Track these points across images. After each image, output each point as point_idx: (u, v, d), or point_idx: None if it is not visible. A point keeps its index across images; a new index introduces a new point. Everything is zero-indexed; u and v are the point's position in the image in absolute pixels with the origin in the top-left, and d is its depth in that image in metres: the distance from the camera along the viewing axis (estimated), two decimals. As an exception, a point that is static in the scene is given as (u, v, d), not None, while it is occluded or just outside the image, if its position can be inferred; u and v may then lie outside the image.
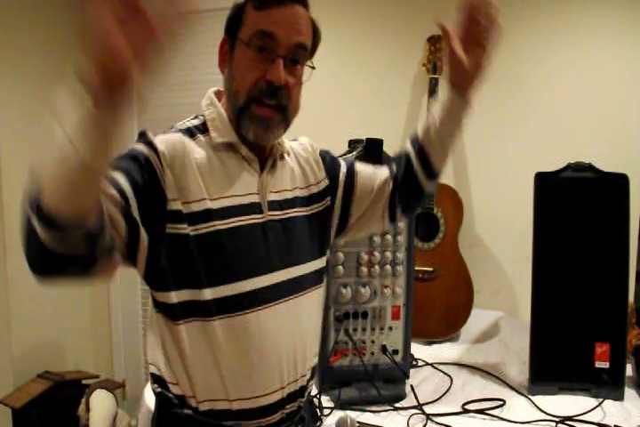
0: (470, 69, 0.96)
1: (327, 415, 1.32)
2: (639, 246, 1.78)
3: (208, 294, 0.88)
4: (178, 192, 0.86)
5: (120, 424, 2.40)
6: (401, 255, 1.49)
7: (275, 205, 0.95)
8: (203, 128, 0.94)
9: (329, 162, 1.10)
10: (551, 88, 2.11)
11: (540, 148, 2.11)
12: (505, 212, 2.15)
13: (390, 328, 1.48)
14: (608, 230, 1.48)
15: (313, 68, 0.95)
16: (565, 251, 1.50)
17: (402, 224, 1.48)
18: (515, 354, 1.76)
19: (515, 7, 2.14)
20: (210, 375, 0.90)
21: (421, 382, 1.55)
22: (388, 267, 1.47)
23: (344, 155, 1.45)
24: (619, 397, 1.43)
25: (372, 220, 1.12)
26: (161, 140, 0.88)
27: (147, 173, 0.84)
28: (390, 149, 1.47)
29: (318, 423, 1.17)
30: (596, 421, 1.30)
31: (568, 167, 1.53)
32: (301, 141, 1.10)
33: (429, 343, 1.94)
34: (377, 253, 1.46)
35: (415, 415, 1.34)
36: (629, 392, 1.46)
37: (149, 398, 1.37)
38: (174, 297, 0.88)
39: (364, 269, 1.45)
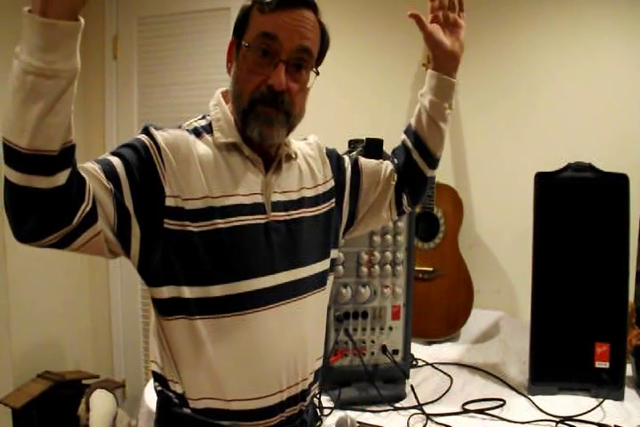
0: (453, 49, 1.04)
1: (327, 415, 1.32)
2: (639, 246, 1.78)
3: (204, 292, 0.87)
4: (179, 188, 0.86)
5: (120, 424, 2.40)
6: (401, 255, 1.49)
7: (279, 206, 0.95)
8: (209, 128, 0.94)
9: (335, 161, 1.10)
10: (551, 88, 2.11)
11: (540, 148, 2.11)
12: (505, 212, 2.15)
13: (390, 328, 1.48)
14: (608, 231, 1.48)
15: (317, 73, 0.94)
16: (565, 251, 1.50)
17: (402, 224, 1.48)
18: (515, 354, 1.76)
19: (516, 6, 2.14)
20: (202, 374, 0.89)
21: (421, 382, 1.55)
22: (388, 267, 1.47)
23: (344, 155, 1.45)
24: (619, 397, 1.43)
25: (380, 213, 1.14)
26: (164, 135, 0.88)
27: (145, 163, 0.84)
28: (390, 148, 1.47)
29: (318, 423, 1.17)
30: (596, 421, 1.30)
31: (568, 167, 1.53)
32: (310, 140, 1.10)
33: (429, 343, 1.94)
34: (377, 253, 1.46)
35: (415, 415, 1.34)
36: (629, 392, 1.46)
37: (149, 398, 1.37)
38: (167, 293, 0.88)
39: (364, 269, 1.45)
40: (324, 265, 1.02)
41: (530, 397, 1.45)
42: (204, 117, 0.97)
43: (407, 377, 1.50)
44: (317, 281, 1.01)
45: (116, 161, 0.82)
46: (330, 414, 1.33)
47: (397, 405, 1.40)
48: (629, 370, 1.51)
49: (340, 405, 1.37)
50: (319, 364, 1.04)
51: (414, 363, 1.67)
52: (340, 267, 1.43)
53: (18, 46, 0.66)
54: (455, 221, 2.04)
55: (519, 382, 1.55)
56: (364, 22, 2.33)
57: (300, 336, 0.96)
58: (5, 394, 2.27)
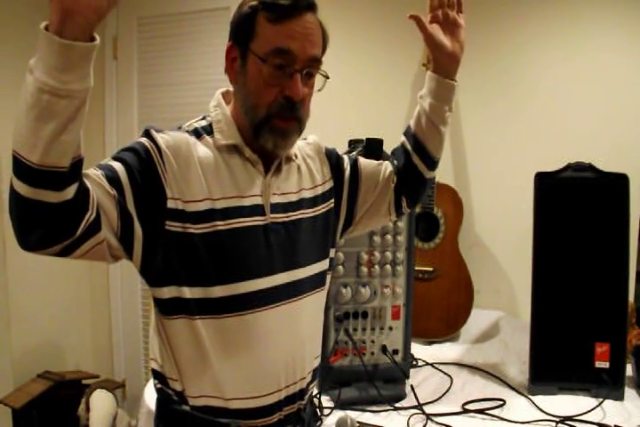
0: (453, 50, 1.04)
1: (327, 415, 1.32)
2: (639, 246, 1.78)
3: (204, 293, 0.88)
4: (180, 191, 0.86)
5: (120, 424, 2.40)
6: (401, 255, 1.49)
7: (278, 208, 0.95)
8: (209, 129, 0.95)
9: (334, 161, 1.10)
10: (551, 88, 2.11)
11: (540, 148, 2.11)
12: (505, 212, 2.15)
13: (390, 328, 1.48)
14: (608, 230, 1.48)
15: (327, 77, 0.94)
16: (565, 251, 1.50)
17: (402, 224, 1.49)
18: (515, 354, 1.76)
19: (516, 5, 2.14)
20: (201, 373, 0.90)
21: (421, 382, 1.55)
22: (388, 267, 1.47)
23: (344, 155, 1.45)
24: (619, 397, 1.43)
25: (378, 214, 1.14)
26: (164, 137, 0.88)
27: (146, 167, 0.84)
28: (390, 148, 1.47)
29: (318, 423, 1.17)
30: (596, 421, 1.30)
31: (568, 167, 1.53)
32: (309, 140, 1.11)
33: (429, 343, 1.94)
34: (377, 253, 1.46)
35: (415, 415, 1.34)
36: (629, 392, 1.46)
37: (149, 398, 1.38)
38: (168, 293, 0.88)
39: (364, 269, 1.45)
40: (322, 265, 1.03)
41: (530, 397, 1.45)
42: (204, 118, 0.98)
43: (407, 377, 1.50)
44: (316, 281, 1.01)
45: (118, 166, 0.82)
46: (330, 414, 1.33)
47: (397, 405, 1.40)
48: (629, 370, 1.51)
49: (340, 405, 1.37)
50: (317, 363, 1.05)
51: (414, 363, 1.67)
52: (340, 267, 1.43)
53: (32, 60, 0.66)
54: (455, 221, 2.04)
55: (519, 382, 1.55)
56: (365, 22, 2.33)
57: (298, 336, 0.97)
58: (5, 394, 2.27)
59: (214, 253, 0.88)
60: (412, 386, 1.45)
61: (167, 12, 2.62)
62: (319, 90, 0.95)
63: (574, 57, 2.08)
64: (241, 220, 0.90)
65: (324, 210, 1.04)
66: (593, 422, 1.30)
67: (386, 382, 1.46)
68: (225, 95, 0.99)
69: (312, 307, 1.01)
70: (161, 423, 0.98)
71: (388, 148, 1.45)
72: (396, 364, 1.47)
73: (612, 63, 2.04)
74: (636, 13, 2.00)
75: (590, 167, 1.52)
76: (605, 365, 1.45)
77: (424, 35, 1.02)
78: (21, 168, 0.68)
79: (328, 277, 1.06)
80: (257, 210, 0.92)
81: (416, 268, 1.90)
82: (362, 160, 1.15)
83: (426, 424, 1.30)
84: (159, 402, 0.98)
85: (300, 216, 0.98)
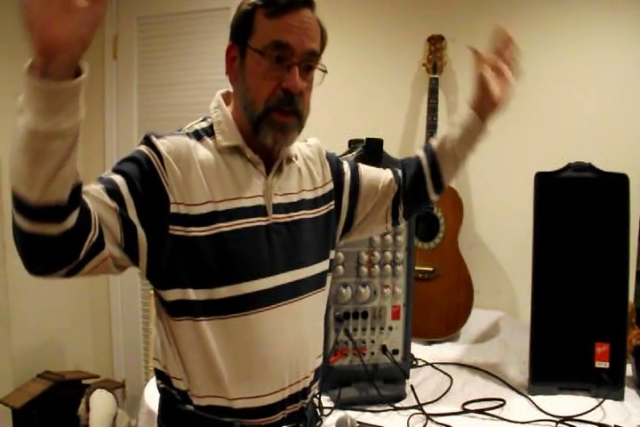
0: (498, 99, 1.05)
1: (327, 415, 1.32)
2: (639, 246, 1.78)
3: (209, 294, 0.88)
4: (182, 195, 0.87)
5: (120, 424, 2.40)
6: (401, 255, 1.49)
7: (280, 208, 0.95)
8: (210, 131, 0.95)
9: (335, 164, 1.11)
10: (551, 88, 2.11)
11: (540, 148, 2.11)
12: (505, 212, 2.15)
13: (390, 328, 1.48)
14: (608, 230, 1.48)
15: (325, 71, 0.95)
16: (565, 251, 1.50)
17: (402, 224, 1.48)
18: (515, 354, 1.76)
19: (517, 5, 2.14)
20: (205, 373, 0.90)
21: (421, 382, 1.55)
22: (388, 267, 1.47)
23: (344, 155, 1.45)
24: (619, 397, 1.43)
25: (375, 222, 1.14)
26: (165, 143, 0.88)
27: (148, 175, 0.85)
28: (390, 148, 1.47)
29: (318, 423, 1.17)
30: (596, 421, 1.30)
31: (568, 167, 1.53)
32: (310, 143, 1.11)
33: (429, 343, 1.94)
34: (377, 253, 1.46)
35: (415, 415, 1.34)
36: (629, 392, 1.46)
37: (149, 398, 1.38)
38: (174, 296, 0.89)
39: (364, 269, 1.45)
40: (323, 266, 1.03)
41: (530, 397, 1.45)
42: (204, 120, 0.98)
43: (407, 377, 1.50)
44: (317, 281, 1.01)
45: (118, 179, 0.83)
46: (330, 414, 1.33)
47: (397, 405, 1.40)
48: (629, 370, 1.51)
49: (340, 405, 1.37)
50: (319, 362, 1.05)
51: (414, 363, 1.67)
52: (340, 267, 1.43)
53: (21, 98, 0.64)
54: (455, 221, 2.04)
55: (519, 382, 1.55)
56: (365, 22, 2.33)
57: (300, 335, 0.97)
58: (5, 394, 2.27)
59: (218, 255, 0.88)
60: (412, 386, 1.45)
61: (167, 12, 2.62)
62: (319, 83, 0.95)
63: (574, 56, 2.08)
64: (243, 220, 0.91)
65: (324, 211, 1.04)
66: (593, 422, 1.30)
67: (386, 382, 1.46)
68: (225, 96, 0.99)
69: (314, 307, 1.01)
70: (164, 424, 0.98)
71: (387, 148, 1.45)
72: (396, 364, 1.47)
73: (613, 63, 2.04)
74: (637, 13, 2.00)
75: (590, 167, 1.52)
76: (605, 365, 1.45)
77: (478, 71, 1.04)
78: (21, 205, 0.67)
79: (328, 279, 1.07)
80: (259, 210, 0.93)
81: (416, 268, 1.90)
82: (362, 166, 1.15)
83: (426, 424, 1.30)
84: (162, 402, 0.98)
85: (301, 217, 0.99)
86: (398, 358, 1.49)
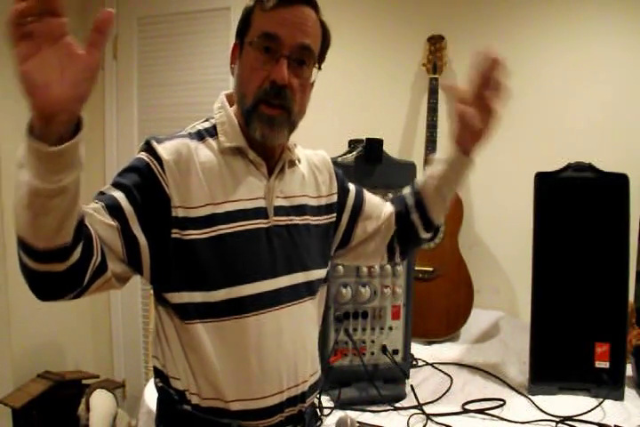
0: (479, 132, 0.98)
1: (327, 415, 1.32)
2: (639, 246, 1.78)
3: (208, 297, 0.88)
4: (180, 198, 0.87)
5: (120, 424, 2.40)
6: (401, 255, 1.49)
7: (281, 211, 0.95)
8: (213, 131, 0.95)
9: (341, 180, 1.11)
10: (551, 88, 2.11)
11: (540, 148, 2.11)
12: (505, 212, 2.15)
13: (390, 328, 1.48)
14: (608, 230, 1.48)
15: (319, 69, 0.94)
16: (565, 251, 1.50)
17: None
18: (515, 354, 1.76)
19: (517, 6, 2.14)
20: (202, 375, 0.90)
21: (421, 382, 1.55)
22: (388, 267, 1.47)
23: (344, 155, 1.45)
24: (619, 397, 1.43)
25: (372, 249, 1.14)
26: (165, 148, 0.88)
27: (148, 182, 0.85)
28: (390, 149, 1.47)
29: (318, 423, 1.17)
30: (596, 421, 1.30)
31: (568, 167, 1.53)
32: (318, 152, 1.11)
33: (429, 343, 1.94)
34: (377, 253, 1.46)
35: (415, 415, 1.34)
36: (629, 392, 1.46)
37: (149, 398, 1.38)
38: (173, 298, 0.89)
39: (364, 269, 1.45)
40: (322, 272, 1.03)
41: (530, 397, 1.45)
42: (207, 120, 0.98)
43: (407, 377, 1.50)
44: (317, 285, 1.01)
45: (118, 194, 0.84)
46: (330, 414, 1.33)
47: (397, 405, 1.40)
48: (629, 370, 1.51)
49: (340, 405, 1.37)
50: (318, 366, 1.05)
51: (414, 363, 1.67)
52: (340, 267, 1.43)
53: (21, 153, 0.64)
54: (455, 221, 2.04)
55: (519, 382, 1.55)
56: (365, 22, 2.33)
57: (300, 338, 0.97)
58: (5, 394, 2.27)
59: (218, 257, 0.88)
60: (412, 386, 1.45)
61: (167, 12, 2.62)
62: (311, 81, 0.94)
63: (574, 56, 2.08)
64: (244, 223, 0.90)
65: (325, 221, 1.05)
66: (593, 422, 1.30)
67: (386, 382, 1.46)
68: (229, 97, 0.98)
69: (313, 310, 1.01)
70: (162, 423, 0.98)
71: (387, 148, 1.45)
72: (396, 364, 1.47)
73: (613, 63, 2.04)
74: (638, 12, 2.00)
75: (590, 167, 1.52)
76: (605, 365, 1.45)
77: (457, 108, 0.95)
78: (27, 249, 0.69)
79: (323, 289, 1.06)
80: (260, 212, 0.93)
81: (416, 268, 1.90)
82: (366, 192, 1.15)
83: (426, 424, 1.30)
84: (160, 401, 0.98)
85: (303, 221, 0.99)
86: (398, 358, 1.49)
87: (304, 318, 0.98)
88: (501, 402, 1.41)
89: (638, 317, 1.76)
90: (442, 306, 1.97)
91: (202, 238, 0.87)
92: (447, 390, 1.49)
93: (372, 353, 1.47)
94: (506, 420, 1.32)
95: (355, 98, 2.34)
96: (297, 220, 0.98)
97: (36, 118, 0.61)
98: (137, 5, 2.66)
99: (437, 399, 1.43)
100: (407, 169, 1.46)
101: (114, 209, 0.82)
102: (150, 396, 1.38)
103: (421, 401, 1.39)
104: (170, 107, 2.63)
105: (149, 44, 2.67)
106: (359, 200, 1.12)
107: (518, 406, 1.40)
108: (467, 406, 1.39)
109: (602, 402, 1.39)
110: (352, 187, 1.13)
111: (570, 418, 1.31)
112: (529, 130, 2.13)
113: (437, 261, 2.00)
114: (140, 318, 2.78)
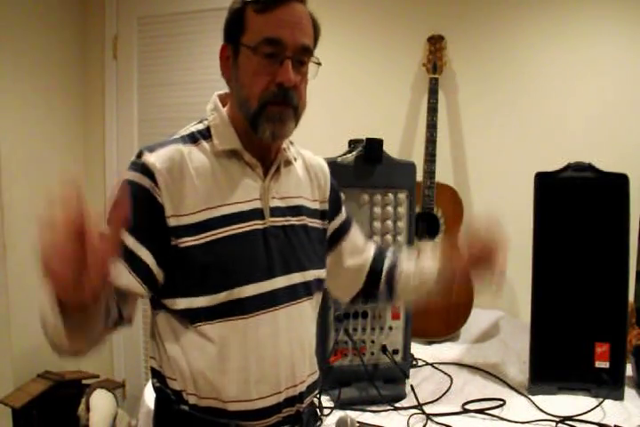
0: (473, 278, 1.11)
1: (327, 415, 1.32)
2: (639, 246, 1.78)
3: (207, 300, 0.88)
4: (174, 207, 0.87)
5: (120, 424, 2.40)
6: (401, 255, 1.49)
7: (277, 212, 0.95)
8: (207, 133, 0.94)
9: (336, 192, 1.12)
10: (551, 88, 2.11)
11: (539, 148, 2.11)
12: (505, 212, 2.14)
13: (390, 328, 1.48)
14: (608, 230, 1.48)
15: (319, 64, 0.94)
16: (565, 251, 1.50)
17: (402, 224, 1.48)
18: (515, 354, 1.76)
19: (517, 6, 2.14)
20: (200, 375, 0.90)
21: (421, 382, 1.55)
22: (388, 267, 1.46)
23: (344, 155, 1.45)
24: (619, 397, 1.43)
25: (340, 281, 1.16)
26: (158, 155, 0.88)
27: (142, 203, 0.85)
28: (390, 149, 1.47)
29: (318, 423, 1.17)
30: (596, 421, 1.30)
31: (568, 167, 1.53)
32: (319, 159, 1.11)
33: (429, 343, 1.94)
34: (377, 253, 1.46)
35: (415, 415, 1.34)
36: (629, 392, 1.46)
37: (149, 398, 1.37)
38: (175, 304, 0.89)
39: (364, 269, 1.45)
40: (320, 273, 1.03)
41: (530, 397, 1.45)
42: (201, 122, 0.97)
43: (407, 377, 1.50)
44: (315, 286, 1.01)
45: (144, 253, 0.86)
46: (330, 414, 1.33)
47: (397, 405, 1.40)
48: (629, 370, 1.51)
49: (340, 405, 1.37)
50: (316, 366, 1.05)
51: (414, 363, 1.67)
52: (340, 267, 1.43)
53: (47, 305, 0.69)
54: (455, 221, 2.04)
55: (519, 382, 1.55)
56: (365, 22, 2.33)
57: (297, 339, 0.96)
58: (5, 394, 2.27)
59: (216, 261, 0.88)
60: (411, 386, 1.45)
61: (167, 12, 2.62)
62: (313, 77, 0.94)
63: (574, 56, 2.08)
64: (241, 225, 0.90)
65: (320, 226, 1.05)
66: (593, 422, 1.30)
67: (386, 382, 1.46)
68: (223, 98, 0.98)
69: (310, 311, 1.01)
70: (160, 423, 0.98)
71: (387, 148, 1.45)
72: (395, 364, 1.47)
73: (613, 62, 2.04)
74: (636, 14, 2.00)
75: (590, 167, 1.52)
76: (605, 365, 1.45)
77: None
78: (56, 348, 0.77)
79: (324, 287, 1.06)
80: (256, 214, 0.93)
81: (416, 268, 1.90)
82: (355, 227, 1.17)
83: (426, 424, 1.30)
84: (158, 401, 0.98)
85: (300, 222, 0.99)
86: (398, 358, 1.49)
87: (302, 319, 0.98)
88: (501, 402, 1.41)
89: (638, 317, 1.76)
90: (442, 306, 1.97)
91: (198, 244, 0.87)
92: (447, 390, 1.49)
93: (372, 353, 1.47)
94: (506, 420, 1.32)
95: (355, 98, 2.34)
96: (293, 220, 0.97)
97: (54, 305, 0.68)
98: (137, 5, 2.66)
99: (437, 399, 1.43)
100: (407, 169, 1.47)
101: (138, 268, 0.85)
102: (150, 396, 1.38)
103: (421, 401, 1.39)
104: (170, 107, 2.63)
105: (149, 44, 2.67)
106: (347, 226, 1.14)
107: (518, 406, 1.40)
108: (467, 406, 1.39)
109: (602, 402, 1.39)
110: (344, 211, 1.14)
111: (570, 418, 1.31)
112: (529, 130, 2.13)
113: (437, 261, 2.00)
114: (140, 318, 2.77)
